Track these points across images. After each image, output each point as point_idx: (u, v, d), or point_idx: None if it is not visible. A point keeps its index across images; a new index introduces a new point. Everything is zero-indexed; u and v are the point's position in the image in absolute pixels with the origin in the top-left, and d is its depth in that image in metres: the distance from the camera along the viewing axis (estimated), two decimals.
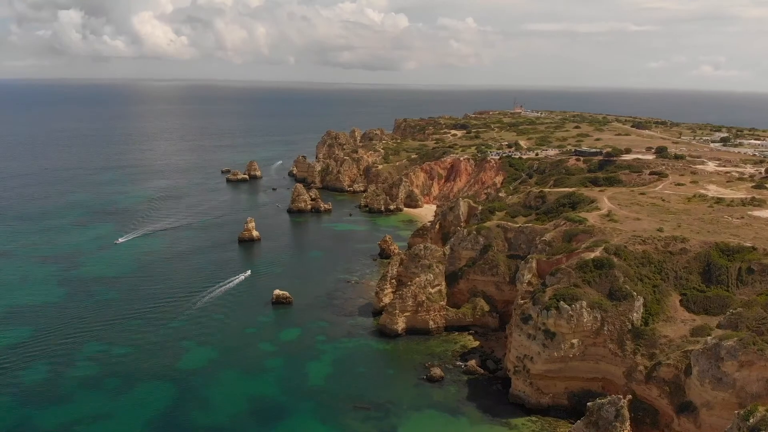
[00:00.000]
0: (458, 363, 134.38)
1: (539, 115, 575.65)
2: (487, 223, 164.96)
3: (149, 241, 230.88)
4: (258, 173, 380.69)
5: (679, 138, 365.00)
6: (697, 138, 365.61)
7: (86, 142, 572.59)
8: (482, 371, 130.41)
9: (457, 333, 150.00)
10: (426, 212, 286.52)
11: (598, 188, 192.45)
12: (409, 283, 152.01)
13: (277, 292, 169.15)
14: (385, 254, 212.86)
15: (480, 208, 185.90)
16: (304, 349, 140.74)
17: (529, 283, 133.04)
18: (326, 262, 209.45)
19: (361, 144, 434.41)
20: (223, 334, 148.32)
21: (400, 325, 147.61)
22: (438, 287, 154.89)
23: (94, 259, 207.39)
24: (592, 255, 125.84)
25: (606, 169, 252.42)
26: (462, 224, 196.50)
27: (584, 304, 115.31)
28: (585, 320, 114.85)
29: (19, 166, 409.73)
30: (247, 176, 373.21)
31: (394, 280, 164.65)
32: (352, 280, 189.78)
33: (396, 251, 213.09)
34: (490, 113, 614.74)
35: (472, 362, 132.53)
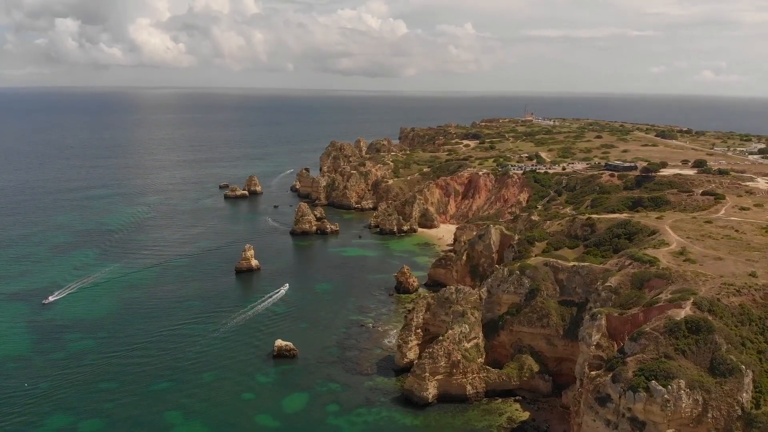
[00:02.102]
0: None
1: (553, 123, 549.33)
2: (532, 260, 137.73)
3: (132, 275, 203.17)
4: (258, 188, 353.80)
5: (712, 149, 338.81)
6: (731, 149, 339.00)
7: (69, 154, 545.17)
8: None
9: (500, 400, 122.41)
10: (443, 233, 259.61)
11: (655, 214, 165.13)
12: (441, 337, 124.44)
13: (279, 343, 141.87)
14: (403, 288, 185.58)
15: (516, 237, 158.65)
16: (313, 426, 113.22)
17: (598, 346, 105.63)
18: (335, 298, 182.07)
19: (368, 156, 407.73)
20: (215, 402, 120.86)
21: (431, 391, 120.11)
22: (474, 340, 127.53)
23: (72, 296, 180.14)
24: (681, 313, 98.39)
25: (645, 187, 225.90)
26: (494, 255, 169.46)
27: (682, 383, 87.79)
28: (683, 405, 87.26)
29: None
30: (246, 192, 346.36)
31: (419, 330, 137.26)
32: (367, 323, 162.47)
33: (415, 284, 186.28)
34: (500, 121, 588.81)
35: None
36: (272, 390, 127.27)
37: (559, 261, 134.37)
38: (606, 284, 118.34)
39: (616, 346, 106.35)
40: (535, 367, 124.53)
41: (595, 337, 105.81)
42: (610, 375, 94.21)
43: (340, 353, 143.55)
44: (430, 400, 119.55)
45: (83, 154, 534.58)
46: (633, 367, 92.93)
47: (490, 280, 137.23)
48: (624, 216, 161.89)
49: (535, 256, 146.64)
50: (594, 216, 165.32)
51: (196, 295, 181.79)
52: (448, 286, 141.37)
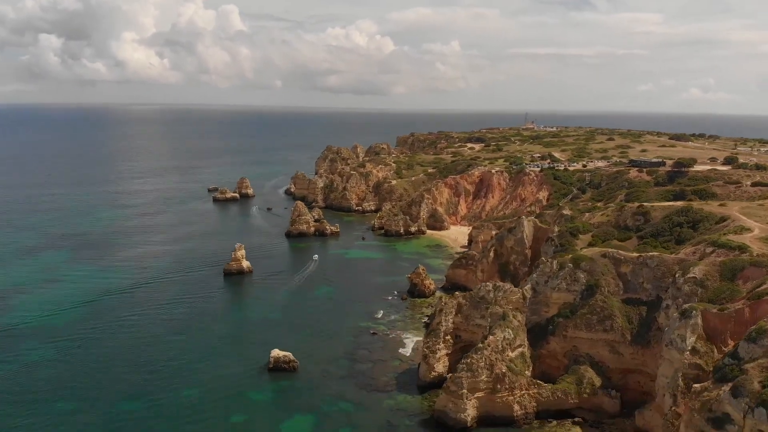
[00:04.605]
0: None
1: (557, 129, 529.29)
2: (586, 251, 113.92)
3: (105, 273, 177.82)
4: (250, 191, 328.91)
5: (735, 148, 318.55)
6: (754, 149, 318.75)
7: (50, 164, 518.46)
8: None
9: (555, 423, 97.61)
10: (454, 235, 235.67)
11: (714, 202, 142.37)
12: (480, 345, 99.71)
13: (276, 353, 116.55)
14: (418, 291, 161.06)
15: (556, 229, 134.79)
16: None
17: (695, 351, 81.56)
18: (339, 302, 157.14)
19: (367, 158, 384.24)
20: (196, 426, 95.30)
21: (470, 412, 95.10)
22: (520, 349, 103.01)
23: (33, 299, 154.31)
24: None
25: (678, 182, 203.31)
26: (527, 251, 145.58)
27: None
28: None
29: None
30: (237, 195, 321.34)
31: (449, 337, 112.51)
32: (379, 330, 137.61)
33: (432, 287, 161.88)
34: (501, 129, 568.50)
35: None
36: (269, 411, 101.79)
37: (620, 252, 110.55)
38: (689, 276, 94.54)
39: (716, 350, 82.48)
40: (597, 381, 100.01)
41: (690, 340, 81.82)
42: (727, 388, 70.10)
43: (349, 366, 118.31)
44: (468, 424, 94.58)
45: (65, 164, 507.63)
46: (758, 375, 69.18)
47: (535, 275, 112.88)
48: (681, 204, 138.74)
49: (581, 249, 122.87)
50: (646, 204, 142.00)
51: (178, 300, 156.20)
52: (483, 283, 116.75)
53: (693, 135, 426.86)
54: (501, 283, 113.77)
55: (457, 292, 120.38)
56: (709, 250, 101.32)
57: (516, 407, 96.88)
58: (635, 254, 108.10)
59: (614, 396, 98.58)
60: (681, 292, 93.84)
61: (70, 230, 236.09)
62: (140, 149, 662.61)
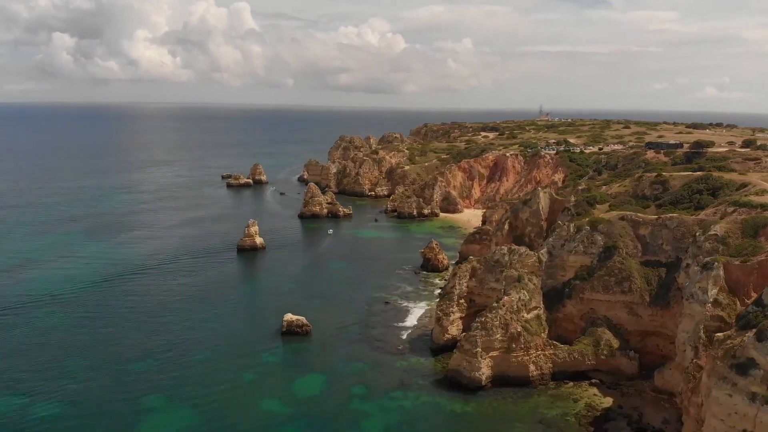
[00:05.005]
0: None
1: (572, 120, 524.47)
2: (604, 214, 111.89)
3: (115, 250, 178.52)
4: (263, 178, 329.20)
5: (753, 135, 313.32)
6: None
7: (67, 155, 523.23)
8: None
9: (571, 384, 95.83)
10: (468, 217, 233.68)
11: (734, 173, 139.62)
12: (495, 304, 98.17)
13: (289, 317, 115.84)
14: (431, 266, 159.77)
15: (573, 199, 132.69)
16: (334, 412, 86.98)
17: (716, 303, 79.49)
18: (352, 276, 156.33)
19: (380, 147, 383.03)
20: (206, 384, 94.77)
21: (484, 371, 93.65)
22: (535, 311, 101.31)
23: (49, 272, 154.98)
24: None
25: (696, 162, 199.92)
26: (542, 223, 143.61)
27: None
28: None
29: None
30: (250, 181, 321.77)
31: (463, 300, 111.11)
32: (392, 300, 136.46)
33: (446, 262, 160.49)
34: (516, 121, 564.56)
35: None
36: (281, 371, 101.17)
37: (638, 214, 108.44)
38: (710, 233, 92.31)
39: (739, 303, 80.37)
40: (615, 343, 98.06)
41: (712, 292, 79.74)
42: (752, 333, 68.04)
43: (362, 331, 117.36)
44: (483, 383, 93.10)
45: (82, 155, 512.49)
46: None
47: (551, 239, 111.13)
48: (700, 173, 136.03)
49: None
50: (665, 173, 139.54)
51: (191, 272, 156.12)
52: (498, 247, 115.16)
53: (710, 124, 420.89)
54: (516, 247, 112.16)
55: (471, 257, 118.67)
56: (730, 209, 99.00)
57: (531, 367, 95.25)
58: (654, 216, 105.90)
59: (632, 357, 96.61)
60: (702, 250, 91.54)
61: (87, 212, 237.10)
62: (154, 142, 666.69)
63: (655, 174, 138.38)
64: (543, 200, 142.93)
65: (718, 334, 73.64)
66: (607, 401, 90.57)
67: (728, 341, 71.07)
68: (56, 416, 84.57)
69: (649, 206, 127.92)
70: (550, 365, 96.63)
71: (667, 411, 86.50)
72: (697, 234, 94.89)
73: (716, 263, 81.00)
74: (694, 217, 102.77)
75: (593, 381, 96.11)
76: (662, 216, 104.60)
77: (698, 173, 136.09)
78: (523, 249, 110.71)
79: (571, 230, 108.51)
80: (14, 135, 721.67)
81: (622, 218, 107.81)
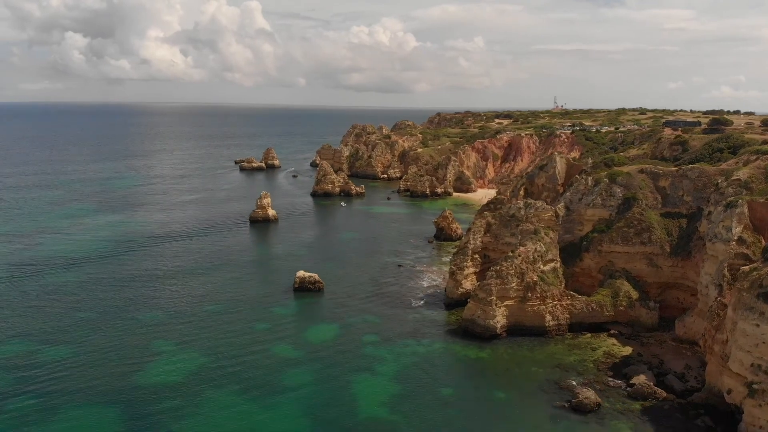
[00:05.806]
0: (614, 381, 78.25)
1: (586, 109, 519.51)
2: (623, 168, 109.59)
3: (131, 220, 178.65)
4: (276, 162, 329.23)
5: None
6: None
7: (89, 145, 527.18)
8: (664, 394, 74.08)
9: (589, 335, 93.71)
10: (481, 197, 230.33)
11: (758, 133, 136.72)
12: (510, 254, 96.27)
13: (301, 273, 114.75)
14: (445, 235, 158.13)
15: (590, 161, 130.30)
16: (345, 356, 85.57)
17: (741, 240, 77.10)
18: (365, 244, 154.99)
19: (393, 132, 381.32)
20: (217, 331, 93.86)
21: (499, 319, 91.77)
22: (552, 263, 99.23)
23: (65, 238, 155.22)
24: None
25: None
26: (559, 188, 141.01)
27: None
28: None
29: None
30: (263, 164, 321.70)
31: (477, 256, 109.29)
32: (405, 264, 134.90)
33: (459, 232, 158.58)
34: (529, 111, 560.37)
35: (641, 378, 76.17)
36: (293, 321, 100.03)
37: (658, 167, 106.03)
38: (733, 178, 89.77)
39: (764, 241, 77.92)
40: (635, 294, 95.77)
41: (737, 230, 77.37)
42: None
43: (375, 288, 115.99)
44: (498, 331, 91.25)
45: (100, 146, 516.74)
46: None
47: (569, 193, 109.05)
48: (720, 134, 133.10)
49: None
50: (684, 134, 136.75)
51: (204, 241, 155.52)
52: (514, 201, 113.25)
53: (727, 112, 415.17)
54: (532, 201, 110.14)
55: (486, 212, 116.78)
56: (753, 157, 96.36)
57: (548, 317, 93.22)
58: (673, 168, 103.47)
59: (652, 308, 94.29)
60: (724, 197, 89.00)
61: (104, 190, 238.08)
62: (169, 134, 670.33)
63: (675, 135, 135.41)
64: (560, 165, 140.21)
65: (744, 267, 71.33)
66: (627, 350, 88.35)
67: (754, 273, 68.80)
68: (66, 356, 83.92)
69: (668, 167, 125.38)
70: (567, 316, 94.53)
71: (689, 359, 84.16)
72: (720, 181, 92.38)
73: (740, 200, 78.61)
74: (715, 167, 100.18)
75: (612, 332, 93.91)
76: (683, 167, 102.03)
77: (715, 135, 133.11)
78: (539, 203, 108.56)
79: (590, 183, 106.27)
80: (40, 128, 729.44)
81: (642, 171, 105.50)
